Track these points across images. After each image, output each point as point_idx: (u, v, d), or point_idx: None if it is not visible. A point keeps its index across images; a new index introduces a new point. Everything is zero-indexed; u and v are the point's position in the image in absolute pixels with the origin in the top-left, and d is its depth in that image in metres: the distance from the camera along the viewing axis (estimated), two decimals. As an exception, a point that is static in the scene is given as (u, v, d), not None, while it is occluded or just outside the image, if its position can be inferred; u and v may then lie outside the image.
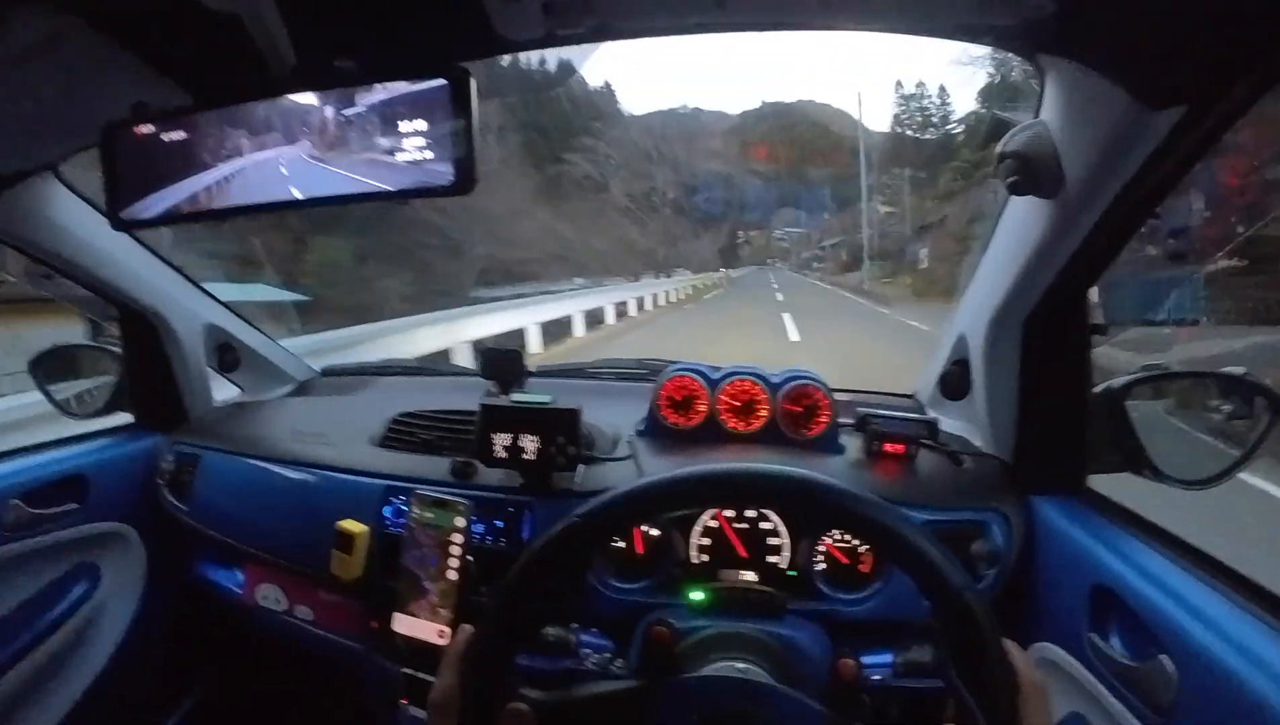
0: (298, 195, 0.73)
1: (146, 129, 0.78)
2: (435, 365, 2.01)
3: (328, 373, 1.85)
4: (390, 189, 0.70)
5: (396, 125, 0.69)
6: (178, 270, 1.42)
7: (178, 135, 0.77)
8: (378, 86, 0.70)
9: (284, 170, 0.73)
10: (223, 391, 1.64)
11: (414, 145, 0.68)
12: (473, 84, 0.67)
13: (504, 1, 0.67)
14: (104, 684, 1.33)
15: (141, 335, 1.42)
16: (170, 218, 0.80)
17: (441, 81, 0.67)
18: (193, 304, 1.47)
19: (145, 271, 1.35)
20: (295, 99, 0.73)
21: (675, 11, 0.71)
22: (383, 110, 0.69)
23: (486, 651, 0.63)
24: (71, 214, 1.18)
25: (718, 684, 0.76)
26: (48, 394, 1.46)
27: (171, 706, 1.51)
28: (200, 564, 1.41)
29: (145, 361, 1.45)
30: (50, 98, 0.87)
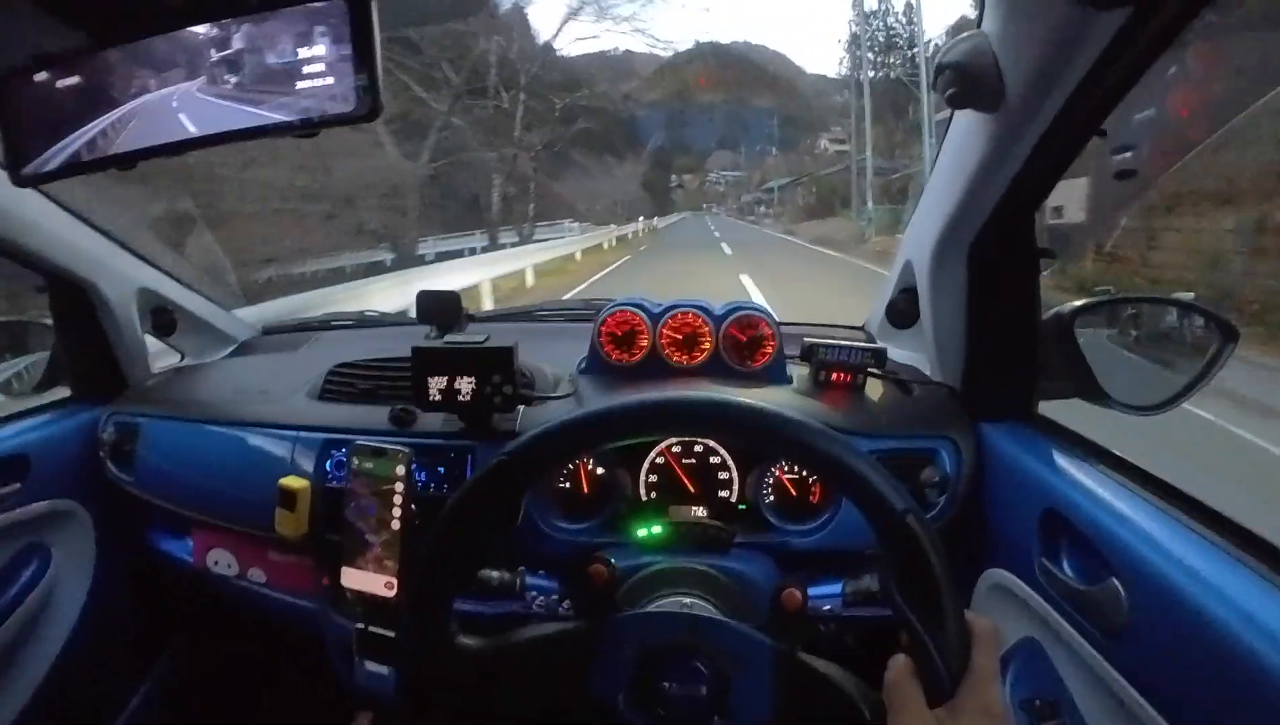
0: (194, 133, 0.70)
1: (41, 76, 0.74)
2: (379, 316, 1.96)
3: (269, 331, 1.81)
4: (292, 120, 0.67)
5: (295, 51, 0.66)
6: (104, 232, 1.36)
7: (72, 80, 0.73)
8: (275, 13, 0.66)
9: (178, 108, 0.70)
10: (166, 359, 1.60)
11: (314, 71, 0.65)
12: (373, 2, 0.64)
13: None
14: (65, 664, 1.31)
15: (72, 304, 1.36)
16: (71, 169, 0.76)
17: (340, 2, 0.64)
18: (123, 267, 1.41)
19: (70, 236, 1.30)
20: (191, 31, 0.69)
21: None
22: (280, 36, 0.66)
23: (423, 599, 0.63)
24: None
25: (660, 619, 0.76)
26: None
27: (136, 682, 1.49)
28: (151, 535, 1.38)
29: (78, 332, 1.40)
30: None
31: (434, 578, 0.65)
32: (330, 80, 0.65)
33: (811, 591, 0.96)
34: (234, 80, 0.68)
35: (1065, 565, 0.83)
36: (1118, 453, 0.92)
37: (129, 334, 1.43)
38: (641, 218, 37.59)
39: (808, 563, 1.01)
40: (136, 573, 1.44)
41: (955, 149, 0.97)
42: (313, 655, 1.18)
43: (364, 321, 1.87)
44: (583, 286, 12.52)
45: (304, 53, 0.66)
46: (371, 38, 0.64)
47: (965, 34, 0.82)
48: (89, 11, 0.76)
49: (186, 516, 1.29)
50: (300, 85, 0.66)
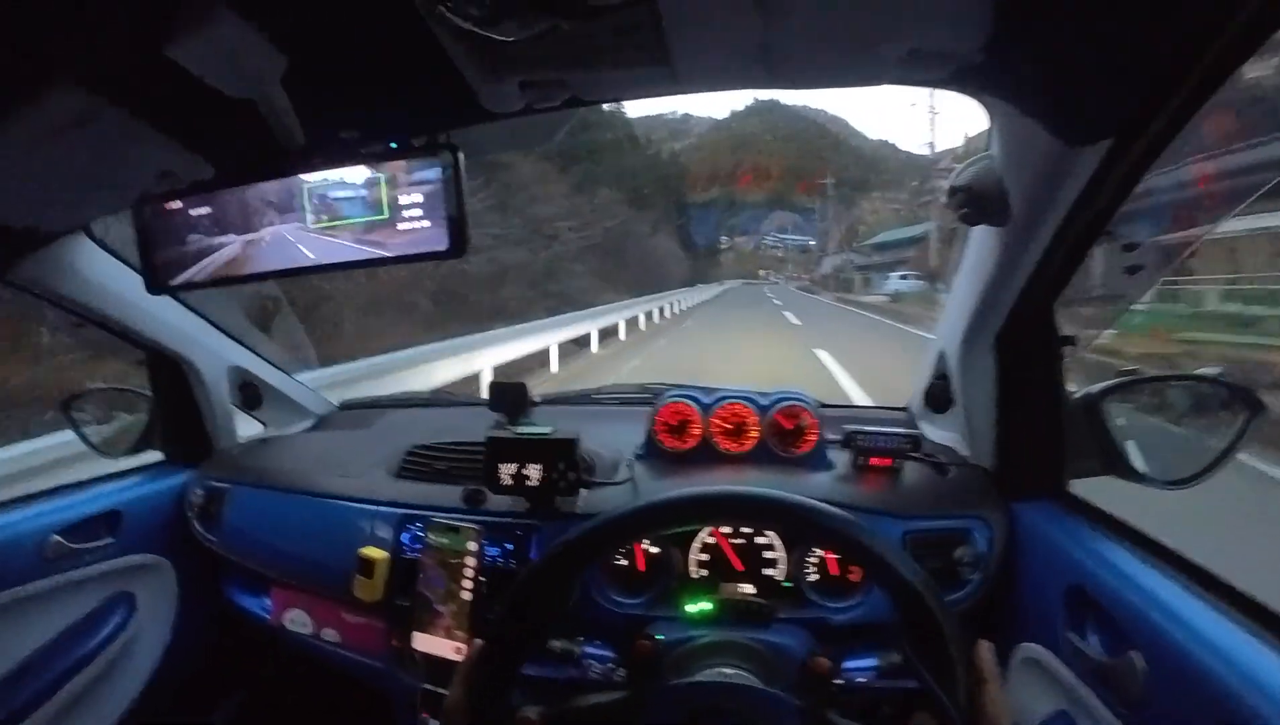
0: (308, 262, 0.82)
1: (175, 204, 0.87)
2: (448, 396, 2.08)
3: (345, 407, 1.93)
4: (389, 255, 0.78)
5: (396, 198, 0.77)
6: (202, 316, 1.50)
7: (203, 209, 0.86)
8: (380, 165, 0.78)
9: (294, 240, 0.82)
10: (246, 428, 1.72)
11: (411, 215, 0.76)
12: (461, 159, 0.75)
13: (487, 82, 0.74)
14: (141, 707, 1.40)
15: (169, 378, 1.50)
16: (201, 282, 0.89)
17: (435, 159, 0.75)
18: (217, 347, 1.55)
19: (171, 319, 1.44)
20: (306, 175, 0.81)
21: (635, 83, 0.78)
22: (382, 185, 0.77)
23: (491, 666, 0.70)
24: (102, 269, 1.26)
25: (703, 688, 0.81)
26: (81, 435, 1.55)
27: None
28: (230, 591, 1.49)
29: (173, 402, 1.53)
30: (82, 166, 0.91)
31: (504, 645, 0.72)
32: (427, 223, 0.76)
33: (847, 664, 1.01)
34: (344, 218, 0.79)
35: (1090, 639, 0.86)
36: (1141, 529, 0.95)
37: (219, 406, 1.56)
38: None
39: (846, 637, 1.06)
40: (213, 624, 1.54)
41: (974, 255, 1.05)
42: (374, 710, 1.26)
43: (435, 401, 1.99)
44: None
45: (404, 199, 0.77)
46: (461, 187, 0.75)
47: (974, 158, 0.90)
48: (217, 148, 0.88)
49: (265, 576, 1.39)
50: (400, 226, 0.77)
